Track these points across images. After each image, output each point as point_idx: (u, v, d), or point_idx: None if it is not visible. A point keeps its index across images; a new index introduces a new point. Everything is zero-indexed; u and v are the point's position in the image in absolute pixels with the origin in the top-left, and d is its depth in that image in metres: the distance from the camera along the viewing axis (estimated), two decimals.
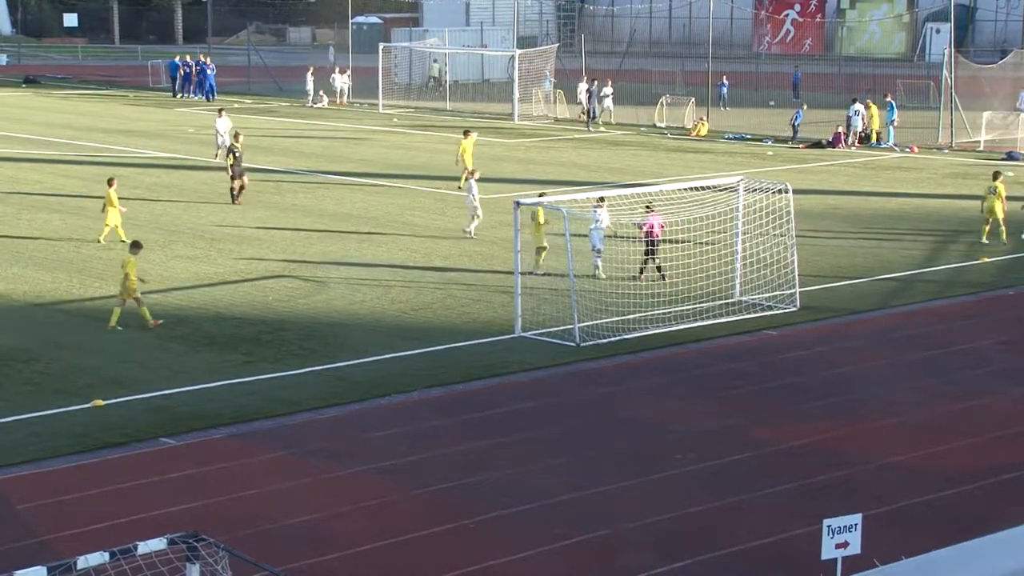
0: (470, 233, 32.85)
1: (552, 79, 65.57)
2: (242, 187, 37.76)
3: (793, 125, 53.32)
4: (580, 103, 60.82)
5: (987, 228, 32.65)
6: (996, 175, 33.15)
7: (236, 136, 39.07)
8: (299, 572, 14.45)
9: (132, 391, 20.92)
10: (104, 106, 68.59)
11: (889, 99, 53.82)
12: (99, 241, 31.98)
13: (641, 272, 28.11)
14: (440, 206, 37.98)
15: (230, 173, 37.89)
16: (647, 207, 28.10)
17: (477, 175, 33.93)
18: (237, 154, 37.78)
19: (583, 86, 60.86)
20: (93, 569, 10.60)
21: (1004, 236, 32.64)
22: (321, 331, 24.55)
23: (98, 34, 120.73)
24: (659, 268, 27.93)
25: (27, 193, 39.69)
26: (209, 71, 72.40)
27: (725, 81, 64.65)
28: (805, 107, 54.96)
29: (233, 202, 37.49)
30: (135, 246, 25.46)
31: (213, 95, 71.72)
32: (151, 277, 28.70)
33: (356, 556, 15.12)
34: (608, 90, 60.82)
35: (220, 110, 47.24)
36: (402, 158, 48.52)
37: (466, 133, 40.31)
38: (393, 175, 43.87)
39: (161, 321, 24.80)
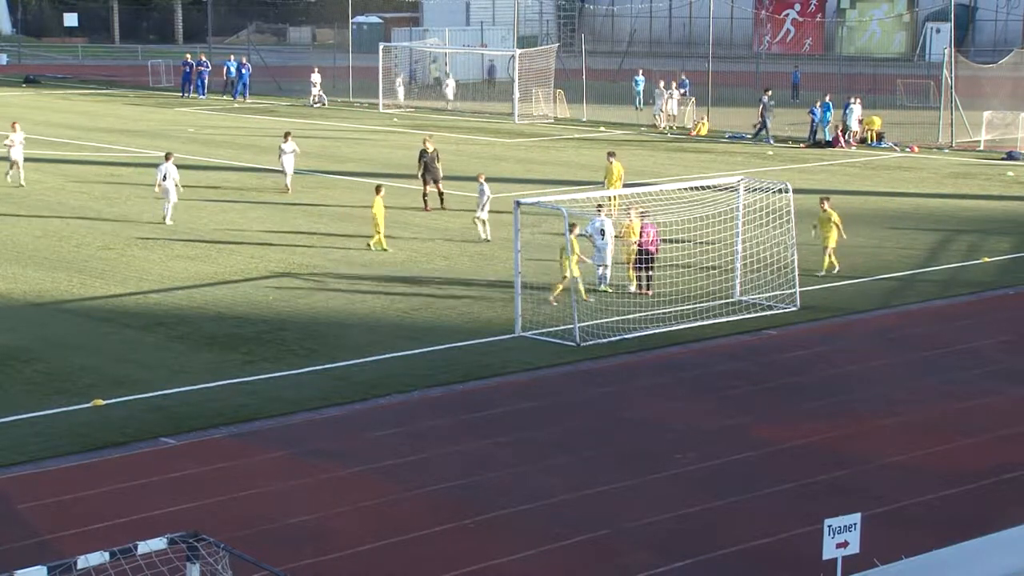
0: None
1: (678, 86, 60.63)
2: (428, 193, 36.59)
3: (812, 125, 52.48)
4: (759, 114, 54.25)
5: (827, 258, 29.30)
6: (824, 200, 29.59)
7: (424, 141, 37.62)
8: (299, 572, 14.45)
9: (132, 391, 20.93)
10: (104, 106, 68.54)
11: (828, 99, 53.18)
12: (385, 249, 31.31)
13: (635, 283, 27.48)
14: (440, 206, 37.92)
15: (424, 180, 36.52)
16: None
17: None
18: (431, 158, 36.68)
19: (765, 99, 53.87)
20: (93, 569, 10.61)
21: (827, 265, 29.13)
22: (321, 331, 24.55)
23: (98, 34, 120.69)
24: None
25: (27, 193, 39.68)
26: (244, 70, 72.09)
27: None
28: (819, 104, 53.48)
29: (425, 208, 36.59)
30: (572, 228, 25.56)
31: (205, 92, 72.94)
32: (151, 277, 28.74)
33: (356, 556, 15.13)
34: (676, 92, 58.81)
35: (287, 133, 41.32)
36: (402, 158, 48.43)
37: (610, 155, 36.96)
38: (393, 175, 43.80)
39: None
